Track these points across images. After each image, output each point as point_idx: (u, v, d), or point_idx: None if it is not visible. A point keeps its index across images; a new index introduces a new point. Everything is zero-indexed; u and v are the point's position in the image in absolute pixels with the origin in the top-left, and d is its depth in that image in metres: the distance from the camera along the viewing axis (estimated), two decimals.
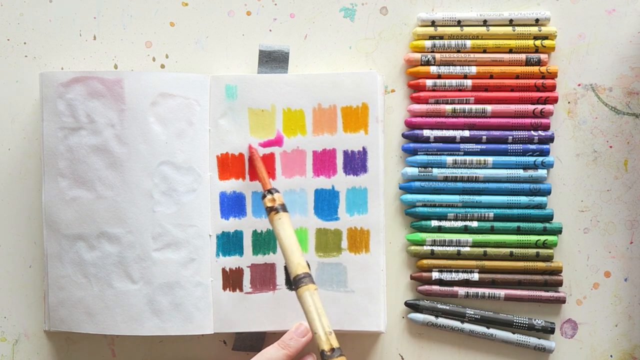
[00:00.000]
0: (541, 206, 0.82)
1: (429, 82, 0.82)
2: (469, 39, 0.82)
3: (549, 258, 0.82)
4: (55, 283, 0.80)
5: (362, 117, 0.81)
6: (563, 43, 0.83)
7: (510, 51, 0.82)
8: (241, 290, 0.81)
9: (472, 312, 0.81)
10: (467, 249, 0.82)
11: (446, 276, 0.82)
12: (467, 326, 0.81)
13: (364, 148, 0.81)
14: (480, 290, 0.82)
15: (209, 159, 0.81)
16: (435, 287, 0.82)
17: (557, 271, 0.82)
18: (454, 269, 0.82)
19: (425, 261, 0.82)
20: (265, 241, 0.81)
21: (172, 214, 0.79)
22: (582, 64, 0.83)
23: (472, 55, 0.82)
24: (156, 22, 0.84)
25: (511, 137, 0.82)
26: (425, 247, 0.82)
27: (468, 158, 0.82)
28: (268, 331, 0.81)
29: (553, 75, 0.82)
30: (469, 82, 0.82)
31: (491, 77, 0.82)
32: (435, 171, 0.82)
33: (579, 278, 0.83)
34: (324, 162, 0.81)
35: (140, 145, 0.79)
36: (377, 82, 0.81)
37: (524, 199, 0.81)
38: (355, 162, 0.81)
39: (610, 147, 0.83)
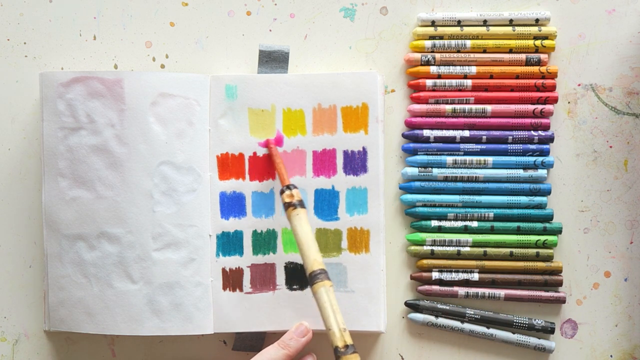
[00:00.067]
0: (541, 206, 0.82)
1: (429, 82, 0.82)
2: (469, 39, 0.82)
3: (549, 258, 0.82)
4: (55, 283, 0.80)
5: (362, 117, 0.81)
6: (563, 43, 0.83)
7: (510, 51, 0.82)
8: (241, 290, 0.81)
9: (472, 312, 0.81)
10: (467, 249, 0.82)
11: (446, 276, 0.82)
12: (467, 326, 0.81)
13: (364, 148, 0.81)
14: (480, 290, 0.82)
15: (209, 159, 0.81)
16: (435, 287, 0.82)
17: (557, 271, 0.82)
18: (454, 269, 0.82)
19: (425, 261, 0.82)
20: (265, 241, 0.81)
21: (172, 214, 0.79)
22: (582, 64, 0.83)
23: (472, 55, 0.82)
24: (156, 22, 0.84)
25: (511, 137, 0.82)
26: (425, 247, 0.82)
27: (468, 158, 0.82)
28: (268, 331, 0.81)
29: (553, 75, 0.82)
30: (469, 82, 0.82)
31: (491, 77, 0.82)
32: (435, 171, 0.82)
33: (579, 278, 0.83)
34: (324, 162, 0.81)
35: (140, 145, 0.79)
36: (377, 82, 0.81)
37: (524, 199, 0.81)
38: (355, 162, 0.81)
39: (610, 147, 0.83)
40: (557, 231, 0.82)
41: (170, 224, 0.79)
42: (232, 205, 0.81)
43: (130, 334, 0.79)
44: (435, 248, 0.82)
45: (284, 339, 0.77)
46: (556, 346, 0.82)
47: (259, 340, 0.82)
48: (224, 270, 0.81)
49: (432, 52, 0.82)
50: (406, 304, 0.82)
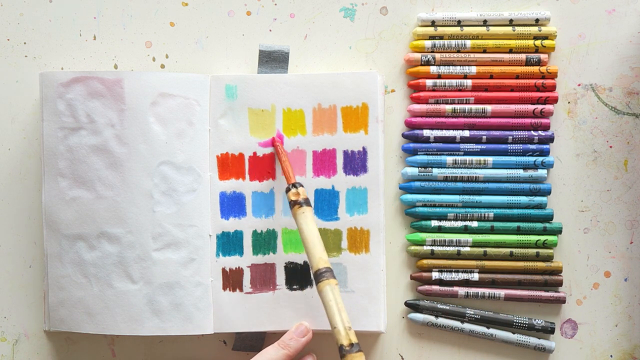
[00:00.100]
0: (541, 206, 0.82)
1: (429, 82, 0.82)
2: (469, 39, 0.82)
3: (549, 258, 0.82)
4: (55, 283, 0.80)
5: (362, 117, 0.81)
6: (563, 43, 0.83)
7: (510, 51, 0.82)
8: (241, 290, 0.81)
9: (472, 312, 0.81)
10: (467, 249, 0.82)
11: (446, 276, 0.82)
12: (467, 326, 0.81)
13: (364, 148, 0.81)
14: (480, 290, 0.82)
15: (209, 159, 0.81)
16: (435, 287, 0.82)
17: (557, 271, 0.82)
18: (454, 269, 0.82)
19: (425, 261, 0.82)
20: (265, 241, 0.81)
21: (172, 214, 0.79)
22: (582, 64, 0.83)
23: (472, 55, 0.82)
24: (156, 22, 0.84)
25: (511, 137, 0.82)
26: (425, 247, 0.82)
27: (468, 158, 0.82)
28: (268, 331, 0.81)
29: (553, 75, 0.82)
30: (469, 82, 0.82)
31: (491, 77, 0.82)
32: (435, 171, 0.82)
33: (579, 278, 0.83)
34: (324, 162, 0.81)
35: (140, 145, 0.79)
36: (377, 82, 0.81)
37: (524, 199, 0.81)
38: (355, 162, 0.81)
39: (610, 147, 0.83)
40: (557, 231, 0.82)
41: (170, 224, 0.79)
42: (232, 205, 0.81)
43: (130, 334, 0.79)
44: (435, 248, 0.82)
45: (284, 339, 0.77)
46: (556, 346, 0.82)
47: (259, 340, 0.82)
48: (224, 270, 0.81)
49: (432, 52, 0.82)
50: (406, 304, 0.82)
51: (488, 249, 0.82)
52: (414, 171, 0.82)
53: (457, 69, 0.82)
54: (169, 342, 0.83)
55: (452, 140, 0.82)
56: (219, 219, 0.81)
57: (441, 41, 0.82)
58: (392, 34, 0.83)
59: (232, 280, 0.81)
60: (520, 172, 0.82)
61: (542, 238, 0.81)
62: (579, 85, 0.83)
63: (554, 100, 0.82)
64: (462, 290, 0.82)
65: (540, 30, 0.82)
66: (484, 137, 0.82)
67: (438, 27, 0.82)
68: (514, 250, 0.81)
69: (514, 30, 0.82)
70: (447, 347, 0.83)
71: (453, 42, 0.82)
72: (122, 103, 0.79)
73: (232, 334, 0.83)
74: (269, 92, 0.81)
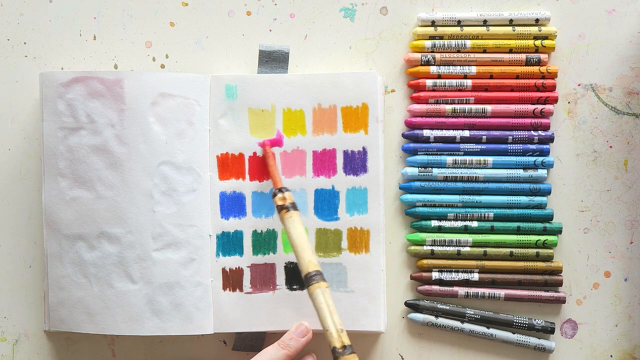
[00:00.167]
0: (541, 206, 0.82)
1: (429, 82, 0.82)
2: (469, 39, 0.82)
3: (549, 258, 0.82)
4: (55, 283, 0.80)
5: (362, 117, 0.81)
6: (563, 43, 0.83)
7: (510, 51, 0.82)
8: (241, 290, 0.81)
9: (472, 312, 0.81)
10: (467, 249, 0.82)
11: (446, 276, 0.82)
12: (467, 326, 0.81)
13: (364, 148, 0.81)
14: (480, 290, 0.82)
15: (209, 159, 0.81)
16: (435, 287, 0.82)
17: (557, 271, 0.82)
18: (454, 269, 0.82)
19: (425, 261, 0.82)
20: (265, 241, 0.81)
21: (172, 214, 0.79)
22: (582, 64, 0.83)
23: (472, 55, 0.82)
24: (156, 22, 0.84)
25: (511, 137, 0.82)
26: (425, 247, 0.82)
27: (468, 158, 0.82)
28: (268, 331, 0.81)
29: (553, 75, 0.82)
30: (469, 82, 0.82)
31: (491, 77, 0.82)
32: (435, 171, 0.82)
33: (579, 278, 0.83)
34: (324, 162, 0.81)
35: (140, 145, 0.79)
36: (377, 82, 0.81)
37: (524, 199, 0.81)
38: (355, 162, 0.81)
39: (610, 147, 0.83)
40: (557, 231, 0.82)
41: (170, 224, 0.79)
42: (232, 205, 0.81)
43: (130, 334, 0.79)
44: (435, 248, 0.82)
45: (284, 339, 0.77)
46: (556, 346, 0.82)
47: (259, 340, 0.82)
48: (224, 270, 0.81)
49: (432, 52, 0.82)
50: (406, 304, 0.82)
51: (488, 249, 0.82)
52: (414, 171, 0.82)
53: (457, 69, 0.82)
54: (169, 342, 0.83)
55: (452, 140, 0.82)
56: (219, 219, 0.81)
57: (441, 41, 0.82)
58: (392, 34, 0.83)
59: (232, 280, 0.81)
60: (520, 172, 0.82)
61: (542, 238, 0.81)
62: (579, 85, 0.83)
63: (554, 100, 0.82)
64: (462, 290, 0.82)
65: (540, 30, 0.82)
66: (484, 137, 0.82)
67: (438, 27, 0.82)
68: (514, 250, 0.81)
69: (514, 30, 0.82)
70: (447, 347, 0.83)
71: (453, 42, 0.82)
72: (122, 103, 0.79)
73: (232, 334, 0.83)
74: (269, 92, 0.81)
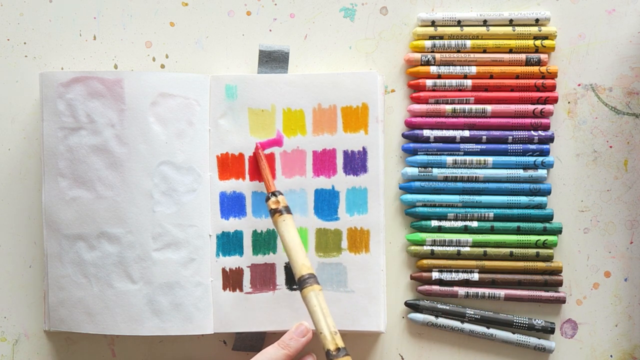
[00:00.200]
0: (541, 206, 0.82)
1: (429, 82, 0.82)
2: (469, 39, 0.82)
3: (549, 258, 0.82)
4: (55, 283, 0.80)
5: (362, 117, 0.81)
6: (563, 43, 0.83)
7: (510, 51, 0.82)
8: (241, 290, 0.81)
9: (472, 312, 0.81)
10: (467, 249, 0.82)
11: (446, 276, 0.82)
12: (467, 326, 0.81)
13: (364, 148, 0.81)
14: (480, 290, 0.82)
15: (209, 159, 0.81)
16: (435, 287, 0.82)
17: (557, 271, 0.82)
18: (454, 269, 0.82)
19: (425, 261, 0.82)
20: (265, 241, 0.81)
21: (172, 214, 0.79)
22: (582, 64, 0.83)
23: (472, 55, 0.82)
24: (156, 22, 0.84)
25: (511, 137, 0.82)
26: (425, 247, 0.82)
27: (468, 158, 0.82)
28: (268, 331, 0.81)
29: (553, 75, 0.82)
30: (469, 82, 0.82)
31: (491, 77, 0.82)
32: (435, 171, 0.82)
33: (579, 278, 0.83)
34: (324, 162, 0.81)
35: (140, 145, 0.79)
36: (377, 82, 0.81)
37: (524, 199, 0.81)
38: (355, 162, 0.81)
39: (610, 147, 0.83)
40: (557, 231, 0.82)
41: (170, 224, 0.79)
42: (232, 205, 0.81)
43: (130, 334, 0.79)
44: (435, 248, 0.82)
45: (284, 339, 0.77)
46: (556, 346, 0.82)
47: (259, 340, 0.82)
48: (224, 270, 0.81)
49: (432, 52, 0.82)
50: (406, 304, 0.82)
51: (488, 249, 0.82)
52: (414, 171, 0.82)
53: (457, 69, 0.82)
54: (169, 342, 0.83)
55: (452, 140, 0.82)
56: (219, 219, 0.81)
57: (441, 41, 0.82)
58: (392, 34, 0.83)
59: (232, 280, 0.81)
60: (520, 172, 0.82)
61: (542, 238, 0.81)
62: (579, 85, 0.83)
63: (554, 100, 0.82)
64: (462, 290, 0.82)
65: (540, 30, 0.82)
66: (484, 137, 0.82)
67: (438, 27, 0.82)
68: (514, 250, 0.81)
69: (514, 30, 0.82)
70: (447, 347, 0.83)
71: (453, 42, 0.82)
72: (122, 103, 0.79)
73: (232, 334, 0.83)
74: (269, 92, 0.81)
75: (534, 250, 0.81)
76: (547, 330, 0.81)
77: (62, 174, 0.80)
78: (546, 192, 0.82)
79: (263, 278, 0.81)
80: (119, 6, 0.84)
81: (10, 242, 0.84)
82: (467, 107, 0.82)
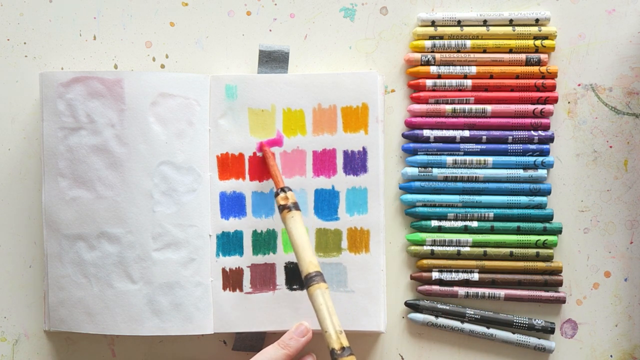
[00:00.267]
0: (541, 206, 0.82)
1: (429, 82, 0.82)
2: (469, 39, 0.82)
3: (549, 258, 0.82)
4: (55, 283, 0.80)
5: (362, 117, 0.81)
6: (563, 43, 0.83)
7: (510, 51, 0.82)
8: (241, 290, 0.81)
9: (472, 312, 0.81)
10: (467, 249, 0.82)
11: (446, 276, 0.82)
12: (467, 326, 0.81)
13: (364, 148, 0.81)
14: (480, 290, 0.82)
15: (209, 159, 0.81)
16: (435, 287, 0.82)
17: (557, 271, 0.82)
18: (454, 269, 0.82)
19: (425, 261, 0.82)
20: (265, 241, 0.81)
21: (172, 214, 0.79)
22: (582, 64, 0.83)
23: (472, 55, 0.82)
24: (156, 22, 0.84)
25: (511, 137, 0.82)
26: (425, 247, 0.82)
27: (468, 158, 0.82)
28: (268, 331, 0.81)
29: (553, 75, 0.82)
30: (469, 82, 0.82)
31: (491, 77, 0.82)
32: (435, 171, 0.82)
33: (579, 278, 0.83)
34: (324, 162, 0.81)
35: (140, 145, 0.79)
36: (377, 82, 0.81)
37: (524, 199, 0.81)
38: (355, 162, 0.81)
39: (610, 147, 0.83)
40: (557, 231, 0.82)
41: (170, 224, 0.79)
42: (232, 205, 0.81)
43: (130, 334, 0.79)
44: (435, 248, 0.82)
45: (283, 338, 0.77)
46: (556, 346, 0.82)
47: (259, 340, 0.82)
48: (224, 270, 0.81)
49: (432, 52, 0.82)
50: (406, 304, 0.82)
51: (488, 249, 0.82)
52: (414, 171, 0.82)
53: (457, 69, 0.82)
54: (169, 342, 0.83)
55: (452, 140, 0.82)
56: (219, 219, 0.81)
57: (441, 41, 0.82)
58: (392, 34, 0.83)
59: (232, 280, 0.81)
60: (520, 172, 0.82)
61: (542, 238, 0.81)
62: (579, 85, 0.83)
63: (554, 100, 0.82)
64: (462, 290, 0.82)
65: (540, 30, 0.82)
66: (484, 137, 0.82)
67: (438, 27, 0.82)
68: (514, 250, 0.81)
69: (514, 30, 0.82)
70: (447, 347, 0.83)
71: (453, 42, 0.82)
72: (122, 103, 0.79)
73: (232, 334, 0.83)
74: (269, 92, 0.81)
75: (534, 250, 0.81)
76: (547, 330, 0.81)
77: (62, 174, 0.80)
78: (546, 192, 0.82)
79: (263, 278, 0.81)
80: (119, 6, 0.84)
81: (10, 242, 0.84)
82: (467, 107, 0.82)
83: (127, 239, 0.79)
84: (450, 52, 0.82)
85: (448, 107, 0.82)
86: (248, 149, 0.81)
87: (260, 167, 0.81)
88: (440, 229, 0.82)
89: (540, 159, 0.82)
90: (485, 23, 0.82)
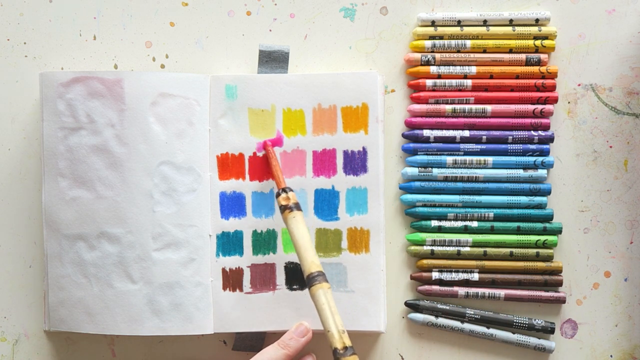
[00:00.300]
0: (541, 206, 0.82)
1: (429, 82, 0.82)
2: (469, 39, 0.82)
3: (549, 258, 0.82)
4: (55, 283, 0.80)
5: (362, 117, 0.81)
6: (563, 43, 0.83)
7: (510, 51, 0.82)
8: (241, 290, 0.81)
9: (472, 312, 0.81)
10: (467, 249, 0.82)
11: (446, 276, 0.82)
12: (467, 326, 0.81)
13: (364, 148, 0.81)
14: (480, 290, 0.82)
15: (209, 159, 0.81)
16: (435, 287, 0.82)
17: (557, 271, 0.82)
18: (454, 269, 0.82)
19: (425, 261, 0.82)
20: (265, 241, 0.81)
21: (172, 214, 0.79)
22: (582, 64, 0.83)
23: (472, 55, 0.82)
24: (156, 22, 0.84)
25: (511, 137, 0.82)
26: (425, 247, 0.82)
27: (468, 158, 0.82)
28: (268, 331, 0.81)
29: (553, 75, 0.82)
30: (469, 82, 0.82)
31: (491, 77, 0.82)
32: (435, 171, 0.82)
33: (579, 278, 0.83)
34: (324, 162, 0.81)
35: (140, 145, 0.79)
36: (377, 82, 0.81)
37: (524, 199, 0.81)
38: (355, 162, 0.81)
39: (610, 147, 0.83)
40: (557, 231, 0.82)
41: (170, 224, 0.79)
42: (232, 205, 0.81)
43: (130, 334, 0.79)
44: (435, 248, 0.82)
45: (283, 339, 0.77)
46: (556, 346, 0.82)
47: (259, 340, 0.82)
48: (224, 270, 0.81)
49: (432, 52, 0.82)
50: (406, 304, 0.82)
51: (488, 249, 0.82)
52: (414, 171, 0.82)
53: (457, 69, 0.82)
54: (169, 342, 0.83)
55: (452, 140, 0.82)
56: (219, 219, 0.81)
57: (441, 41, 0.82)
58: (392, 34, 0.83)
59: (232, 280, 0.81)
60: (520, 172, 0.82)
61: (542, 238, 0.81)
62: (579, 85, 0.83)
63: (554, 100, 0.82)
64: (462, 290, 0.82)
65: (540, 30, 0.82)
66: (484, 137, 0.82)
67: (438, 27, 0.82)
68: (514, 250, 0.81)
69: (514, 30, 0.82)
70: (447, 347, 0.83)
71: (453, 42, 0.82)
72: (122, 103, 0.79)
73: (232, 334, 0.83)
74: (269, 92, 0.81)
75: (534, 250, 0.81)
76: (547, 330, 0.81)
77: (62, 174, 0.80)
78: (546, 192, 0.82)
79: (263, 278, 0.81)
80: (119, 6, 0.84)
81: (10, 242, 0.84)
82: (467, 107, 0.82)
83: (127, 239, 0.79)
84: (450, 52, 0.82)
85: (448, 107, 0.82)
86: (248, 149, 0.81)
87: (261, 167, 0.81)
88: (440, 229, 0.82)
89: (540, 159, 0.82)
90: (485, 23, 0.82)
